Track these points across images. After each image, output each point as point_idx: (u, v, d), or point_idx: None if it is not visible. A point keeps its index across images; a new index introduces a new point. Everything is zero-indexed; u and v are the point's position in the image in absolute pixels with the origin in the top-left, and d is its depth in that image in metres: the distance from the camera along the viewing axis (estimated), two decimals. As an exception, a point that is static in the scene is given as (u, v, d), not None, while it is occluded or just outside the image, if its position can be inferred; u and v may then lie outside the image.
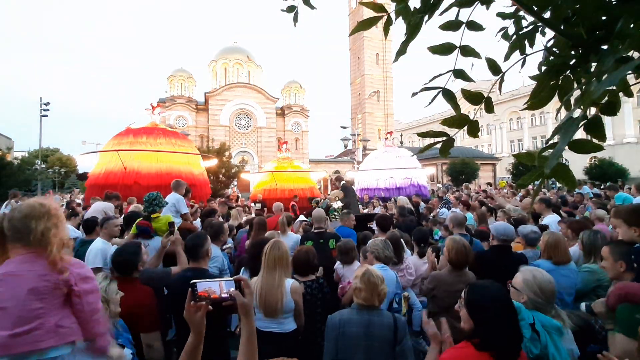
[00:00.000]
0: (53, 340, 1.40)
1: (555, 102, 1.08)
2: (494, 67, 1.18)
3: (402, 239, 3.68)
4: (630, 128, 37.34)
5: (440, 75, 1.15)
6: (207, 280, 1.20)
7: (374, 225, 6.83)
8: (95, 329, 1.54)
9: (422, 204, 9.52)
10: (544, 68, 1.15)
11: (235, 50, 46.00)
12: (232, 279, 1.22)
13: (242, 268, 3.23)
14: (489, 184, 20.95)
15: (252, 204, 9.95)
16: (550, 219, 4.75)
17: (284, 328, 2.61)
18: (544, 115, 45.08)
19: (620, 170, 27.06)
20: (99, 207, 5.57)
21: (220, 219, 6.41)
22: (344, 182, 10.03)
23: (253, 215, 7.03)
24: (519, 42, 1.26)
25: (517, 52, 1.27)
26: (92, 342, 1.54)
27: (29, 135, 40.04)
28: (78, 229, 4.96)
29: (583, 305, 2.29)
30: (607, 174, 26.10)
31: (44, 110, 26.00)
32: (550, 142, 0.93)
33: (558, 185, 17.26)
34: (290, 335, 2.59)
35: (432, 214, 7.46)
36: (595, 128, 0.91)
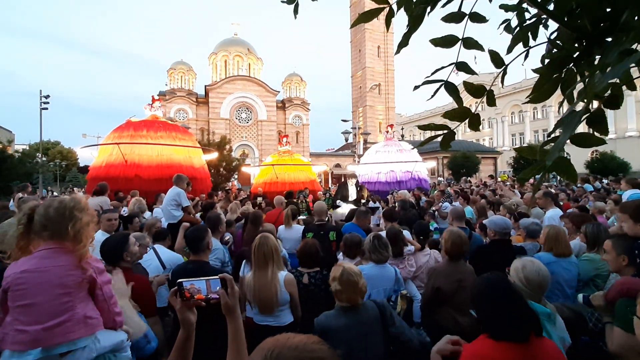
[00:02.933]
0: (83, 331, 1.46)
1: (557, 95, 1.07)
2: (496, 60, 1.17)
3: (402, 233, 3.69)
4: (632, 122, 37.14)
5: (443, 68, 1.14)
6: (194, 279, 1.19)
7: (373, 219, 6.86)
8: (114, 311, 1.63)
9: (423, 198, 9.53)
10: (547, 61, 1.14)
11: (235, 42, 45.66)
12: (217, 277, 1.20)
13: (244, 261, 3.25)
14: (491, 176, 20.93)
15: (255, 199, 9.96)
16: (553, 213, 4.75)
17: (281, 321, 2.63)
18: (545, 108, 44.84)
19: (622, 164, 26.96)
20: (94, 202, 5.57)
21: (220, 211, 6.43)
22: (356, 180, 10.02)
23: (249, 207, 7.02)
24: (522, 35, 1.25)
25: (519, 45, 1.26)
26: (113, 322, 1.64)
27: (29, 129, 40.04)
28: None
29: (580, 297, 2.31)
30: (609, 168, 26.02)
31: (44, 103, 25.91)
32: (552, 135, 0.92)
33: (559, 178, 17.24)
34: (287, 328, 2.60)
35: (432, 208, 7.47)
36: (598, 121, 0.90)
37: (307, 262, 3.01)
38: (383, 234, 3.35)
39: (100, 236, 3.52)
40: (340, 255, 3.66)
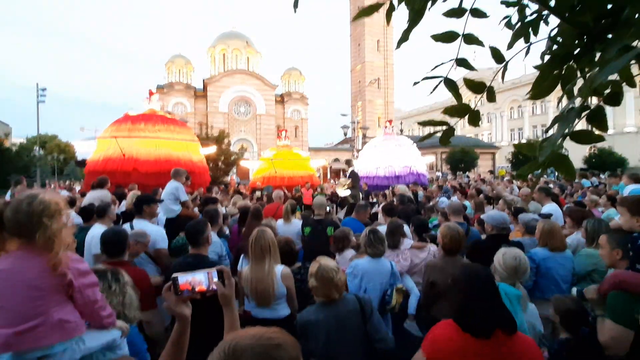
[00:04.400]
0: (58, 336, 1.39)
1: (557, 91, 1.07)
2: (497, 56, 1.17)
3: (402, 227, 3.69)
4: (631, 118, 37.17)
5: (443, 64, 1.14)
6: (190, 272, 1.19)
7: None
8: (100, 315, 1.55)
9: (421, 193, 9.55)
10: (547, 57, 1.13)
11: (234, 35, 45.27)
12: (214, 269, 1.21)
13: (242, 255, 3.26)
14: (491, 171, 20.98)
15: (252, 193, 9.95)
16: (550, 208, 4.78)
17: (277, 314, 2.65)
18: (544, 104, 44.80)
19: (620, 159, 27.09)
20: (95, 196, 5.55)
21: (220, 206, 6.43)
22: (352, 169, 9.87)
23: (247, 202, 7.01)
24: (523, 31, 1.24)
25: (520, 41, 1.25)
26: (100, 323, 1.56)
27: (26, 122, 39.79)
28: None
29: (574, 290, 2.34)
30: (606, 164, 26.15)
31: (41, 96, 25.74)
32: (550, 131, 0.93)
33: (556, 174, 17.29)
34: (284, 320, 2.62)
35: (430, 203, 7.48)
36: (598, 118, 0.90)
37: (285, 260, 2.95)
38: (380, 228, 3.35)
39: (98, 229, 3.52)
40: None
